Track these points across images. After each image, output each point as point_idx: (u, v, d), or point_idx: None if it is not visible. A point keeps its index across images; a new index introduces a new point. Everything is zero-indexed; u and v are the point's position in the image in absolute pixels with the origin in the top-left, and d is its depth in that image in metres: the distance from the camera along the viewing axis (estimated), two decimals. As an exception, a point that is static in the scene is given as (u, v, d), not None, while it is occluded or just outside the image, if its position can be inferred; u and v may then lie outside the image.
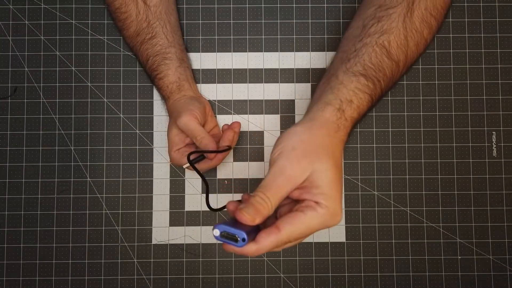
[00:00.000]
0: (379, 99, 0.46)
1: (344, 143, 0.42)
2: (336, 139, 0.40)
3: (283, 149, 0.38)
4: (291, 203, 0.40)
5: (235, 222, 0.37)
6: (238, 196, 0.60)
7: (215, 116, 0.60)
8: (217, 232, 0.37)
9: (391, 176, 0.60)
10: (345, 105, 0.42)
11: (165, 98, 0.57)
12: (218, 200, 0.59)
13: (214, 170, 0.60)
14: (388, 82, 0.46)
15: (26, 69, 0.60)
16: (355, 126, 0.45)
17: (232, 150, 0.60)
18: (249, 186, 0.59)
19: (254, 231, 0.38)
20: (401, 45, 0.45)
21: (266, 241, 0.37)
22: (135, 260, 0.59)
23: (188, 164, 0.52)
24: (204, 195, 0.59)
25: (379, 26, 0.45)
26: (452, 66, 0.60)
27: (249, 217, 0.36)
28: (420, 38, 0.47)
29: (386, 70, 0.45)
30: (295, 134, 0.40)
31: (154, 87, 0.59)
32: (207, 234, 0.59)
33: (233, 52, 0.61)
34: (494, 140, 0.60)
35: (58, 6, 0.61)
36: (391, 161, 0.60)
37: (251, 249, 0.37)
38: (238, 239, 0.36)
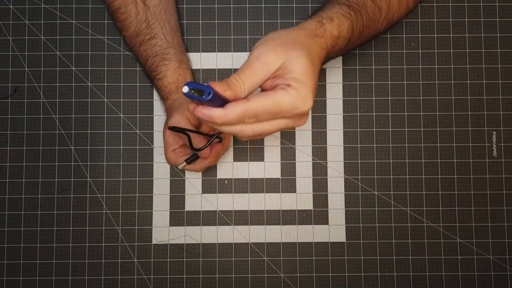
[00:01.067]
0: (359, 33, 0.48)
1: (322, 51, 0.43)
2: (313, 42, 0.42)
3: (262, 40, 0.41)
4: None
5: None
6: (238, 196, 0.60)
7: None
8: (186, 88, 0.37)
9: (391, 176, 0.60)
10: (325, 20, 0.44)
11: (163, 99, 0.57)
12: (218, 200, 0.59)
13: (214, 169, 0.60)
14: (369, 21, 0.47)
15: (26, 69, 0.60)
16: (337, 51, 0.47)
17: (232, 149, 0.60)
18: (249, 186, 0.59)
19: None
20: None
21: (234, 108, 0.38)
22: (135, 260, 0.59)
23: (183, 164, 0.52)
24: (204, 194, 0.59)
25: None
26: (452, 66, 0.60)
27: (221, 87, 0.37)
28: None
29: (368, 9, 0.47)
30: (276, 31, 0.43)
31: (153, 87, 0.59)
32: (208, 234, 0.59)
33: (233, 52, 0.61)
34: (494, 140, 0.60)
35: (58, 6, 0.61)
36: (391, 161, 0.60)
37: (218, 112, 0.37)
38: (205, 93, 0.36)
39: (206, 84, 0.37)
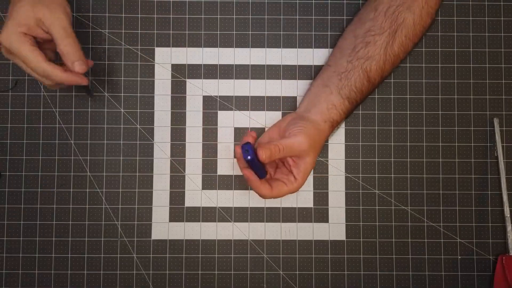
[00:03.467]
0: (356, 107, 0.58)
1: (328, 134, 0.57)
2: (323, 143, 0.56)
3: (304, 131, 0.52)
4: (275, 164, 0.55)
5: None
6: (238, 193, 0.59)
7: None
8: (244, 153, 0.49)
9: (392, 175, 0.59)
10: (335, 124, 0.56)
11: None
12: (218, 196, 0.59)
13: (214, 166, 0.59)
14: (361, 100, 0.56)
15: (26, 62, 0.60)
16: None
17: (232, 147, 0.60)
18: (249, 183, 0.59)
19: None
20: (379, 69, 0.55)
21: (263, 189, 0.51)
22: (135, 255, 0.59)
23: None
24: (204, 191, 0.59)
25: (366, 51, 0.54)
26: (455, 65, 0.60)
27: (264, 152, 0.49)
28: (396, 59, 0.55)
29: (364, 92, 0.55)
30: (309, 128, 0.53)
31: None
32: (207, 231, 0.59)
33: (235, 47, 0.60)
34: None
35: (59, -2, 0.60)
36: (392, 159, 0.59)
37: (257, 184, 0.51)
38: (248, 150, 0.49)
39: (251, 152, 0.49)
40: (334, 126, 0.56)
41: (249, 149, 0.49)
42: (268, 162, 0.50)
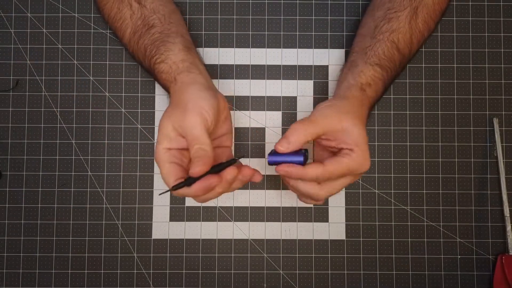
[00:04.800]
0: (389, 84, 0.55)
1: (367, 112, 0.51)
2: (361, 109, 0.50)
3: (324, 105, 0.49)
4: (331, 155, 0.49)
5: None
6: (238, 192, 0.59)
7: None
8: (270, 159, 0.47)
9: (392, 175, 0.59)
10: (366, 87, 0.51)
11: (169, 84, 0.49)
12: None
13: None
14: (396, 70, 0.54)
15: (28, 62, 0.60)
16: (374, 106, 0.54)
17: (233, 147, 0.60)
18: (249, 183, 0.59)
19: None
20: (407, 42, 0.53)
21: (312, 169, 0.45)
22: (135, 255, 0.59)
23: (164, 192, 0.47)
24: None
25: (389, 25, 0.53)
26: (455, 65, 0.60)
27: (281, 145, 0.46)
28: (421, 37, 0.54)
29: (396, 61, 0.53)
30: (330, 100, 0.50)
31: (156, 81, 0.59)
32: (208, 230, 0.59)
33: (235, 48, 0.61)
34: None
35: (60, -1, 0.61)
36: (392, 159, 0.60)
37: (296, 171, 0.45)
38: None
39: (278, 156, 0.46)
40: (365, 89, 0.51)
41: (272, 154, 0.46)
42: (295, 147, 0.45)
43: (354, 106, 0.49)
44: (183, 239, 0.59)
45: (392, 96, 0.60)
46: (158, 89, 0.60)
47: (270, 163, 0.46)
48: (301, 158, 0.46)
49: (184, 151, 0.47)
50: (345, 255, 0.59)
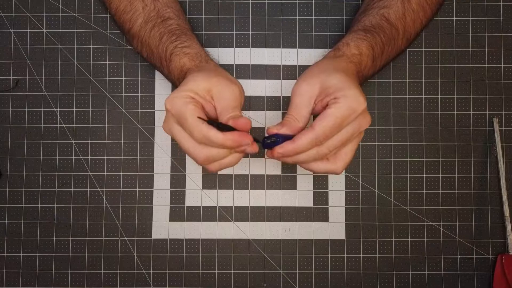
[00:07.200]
0: (382, 50, 0.51)
1: (348, 65, 0.48)
2: (336, 62, 0.47)
3: (296, 82, 0.47)
4: None
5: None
6: (238, 192, 0.59)
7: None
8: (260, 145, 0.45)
9: (392, 175, 0.59)
10: (341, 46, 0.49)
11: (195, 63, 0.50)
12: (219, 195, 0.59)
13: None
14: (388, 39, 0.51)
15: (28, 62, 0.60)
16: (366, 68, 0.50)
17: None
18: (249, 182, 0.59)
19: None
20: (400, 18, 0.51)
21: (303, 137, 0.43)
22: (135, 255, 0.59)
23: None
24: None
25: (381, 2, 0.51)
26: (455, 65, 0.60)
27: (276, 127, 0.44)
28: (416, 17, 0.52)
29: (385, 29, 0.50)
30: (306, 72, 0.48)
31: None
32: (207, 230, 0.59)
33: (235, 47, 0.61)
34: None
35: (60, -1, 0.61)
36: (392, 159, 0.60)
37: (288, 147, 0.43)
38: (276, 141, 0.44)
39: (271, 136, 0.44)
40: (340, 48, 0.49)
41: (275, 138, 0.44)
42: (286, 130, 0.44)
43: (325, 64, 0.47)
44: (183, 239, 0.59)
45: (392, 96, 0.60)
46: (158, 89, 0.60)
47: (265, 147, 0.45)
48: (290, 137, 0.44)
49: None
50: (345, 255, 0.59)
